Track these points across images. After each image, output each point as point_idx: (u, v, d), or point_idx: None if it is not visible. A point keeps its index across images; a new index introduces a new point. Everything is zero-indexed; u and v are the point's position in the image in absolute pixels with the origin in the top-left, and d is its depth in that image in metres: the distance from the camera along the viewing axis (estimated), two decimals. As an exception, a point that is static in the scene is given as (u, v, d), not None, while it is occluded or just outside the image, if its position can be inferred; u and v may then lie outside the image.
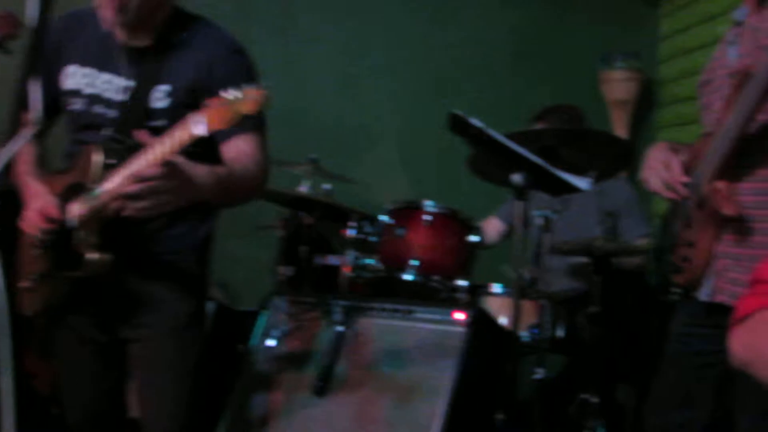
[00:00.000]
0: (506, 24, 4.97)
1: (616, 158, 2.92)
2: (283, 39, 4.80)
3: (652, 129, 5.04)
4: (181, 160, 2.01)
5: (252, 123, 2.23)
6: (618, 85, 4.79)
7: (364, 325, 2.85)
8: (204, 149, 2.18)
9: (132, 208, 1.97)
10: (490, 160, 2.67)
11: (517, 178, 2.51)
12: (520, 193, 2.52)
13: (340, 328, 2.81)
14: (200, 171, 2.09)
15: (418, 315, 2.78)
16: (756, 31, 2.28)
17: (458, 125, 2.42)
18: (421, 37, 4.92)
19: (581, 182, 2.41)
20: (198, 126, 1.89)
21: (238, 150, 2.25)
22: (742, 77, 2.15)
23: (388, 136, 4.83)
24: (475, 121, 2.41)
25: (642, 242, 3.82)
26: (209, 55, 2.23)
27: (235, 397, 2.90)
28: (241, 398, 2.89)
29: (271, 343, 2.95)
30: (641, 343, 3.56)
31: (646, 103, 4.98)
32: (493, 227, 4.02)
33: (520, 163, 2.50)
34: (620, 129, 4.84)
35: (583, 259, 3.52)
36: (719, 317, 2.24)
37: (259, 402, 2.88)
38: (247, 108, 1.90)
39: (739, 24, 2.40)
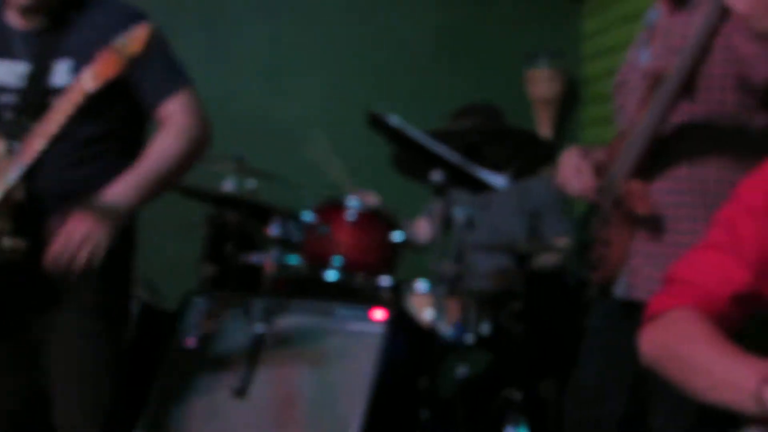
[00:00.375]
0: (431, 22, 4.95)
1: (538, 156, 2.95)
2: (209, 30, 4.74)
3: (576, 127, 5.10)
4: (88, 201, 2.00)
5: (174, 82, 2.22)
6: (542, 83, 4.83)
7: (284, 324, 2.83)
8: (123, 131, 2.16)
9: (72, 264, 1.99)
10: (411, 158, 2.67)
11: (436, 175, 2.51)
12: (440, 190, 2.53)
13: (260, 328, 2.79)
14: (115, 192, 2.09)
15: (338, 313, 2.78)
16: (668, 33, 2.31)
17: (377, 123, 2.42)
18: (347, 35, 4.90)
19: (498, 179, 2.42)
20: (87, 80, 1.87)
21: (166, 115, 2.22)
22: (655, 79, 2.18)
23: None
24: (393, 120, 2.41)
25: (561, 241, 3.87)
26: (110, 25, 2.14)
27: (154, 399, 2.85)
28: (160, 400, 2.85)
29: (191, 342, 2.91)
30: (563, 339, 3.60)
31: (570, 102, 5.03)
32: (425, 228, 4.03)
33: (439, 161, 2.50)
34: (545, 127, 4.88)
35: (506, 257, 3.54)
36: (634, 314, 2.28)
37: (179, 403, 2.84)
38: (135, 48, 1.89)
39: (651, 25, 2.44)
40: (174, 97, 2.22)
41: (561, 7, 5.12)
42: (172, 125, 2.21)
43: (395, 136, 2.48)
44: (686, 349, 1.42)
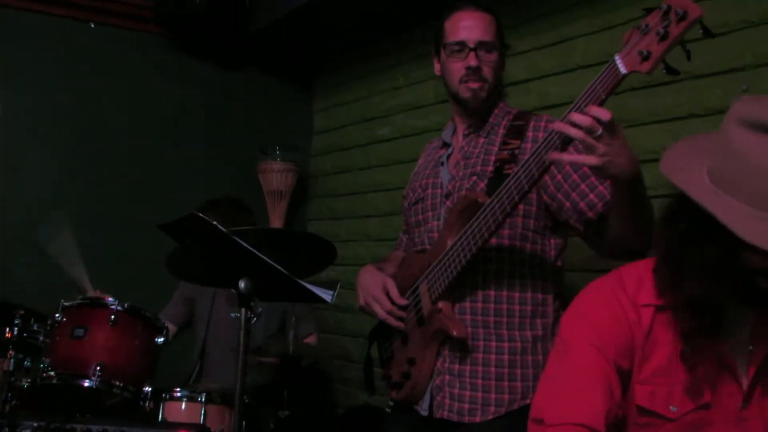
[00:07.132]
0: (164, 109, 4.73)
1: (321, 258, 2.85)
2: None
3: (305, 220, 5.09)
4: None
5: None
6: (275, 175, 4.79)
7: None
8: None
9: None
10: (210, 261, 2.46)
11: (244, 284, 2.33)
12: (247, 300, 2.35)
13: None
14: None
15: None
16: (468, 156, 2.34)
17: (190, 224, 2.21)
18: (69, 112, 4.50)
19: (326, 294, 2.30)
20: None
21: None
22: (466, 203, 2.17)
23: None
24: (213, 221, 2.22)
25: (311, 340, 3.82)
26: None
27: None
28: None
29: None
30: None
31: (301, 195, 5.03)
32: None
33: (248, 268, 2.33)
34: (276, 219, 4.83)
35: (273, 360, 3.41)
36: (440, 430, 2.26)
37: None
38: None
39: (446, 144, 2.46)
40: None
41: (294, 102, 5.13)
42: None
43: (205, 238, 2.27)
44: None
